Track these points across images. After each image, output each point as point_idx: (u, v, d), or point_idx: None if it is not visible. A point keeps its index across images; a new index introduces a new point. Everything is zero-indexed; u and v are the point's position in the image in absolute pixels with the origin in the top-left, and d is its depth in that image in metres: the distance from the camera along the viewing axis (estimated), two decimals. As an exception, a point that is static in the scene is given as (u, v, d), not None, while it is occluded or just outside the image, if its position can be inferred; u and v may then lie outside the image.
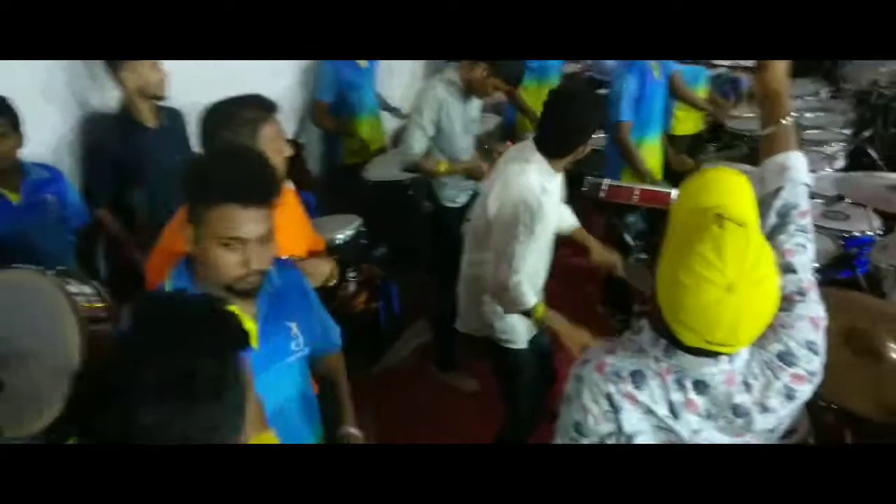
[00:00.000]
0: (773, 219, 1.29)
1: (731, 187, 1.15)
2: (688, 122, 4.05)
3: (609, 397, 1.18)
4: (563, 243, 2.59)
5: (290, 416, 1.54)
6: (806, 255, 1.26)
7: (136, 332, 0.88)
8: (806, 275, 1.24)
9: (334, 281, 2.13)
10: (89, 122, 2.75)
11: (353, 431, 1.65)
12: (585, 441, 1.24)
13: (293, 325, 1.53)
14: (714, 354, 1.13)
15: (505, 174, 2.25)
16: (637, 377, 1.17)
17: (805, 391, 1.18)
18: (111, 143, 2.65)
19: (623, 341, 1.24)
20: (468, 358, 3.22)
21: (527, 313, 2.21)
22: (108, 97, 2.74)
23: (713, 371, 1.15)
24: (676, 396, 1.16)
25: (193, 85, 2.45)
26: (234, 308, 0.94)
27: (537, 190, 2.18)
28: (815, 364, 1.19)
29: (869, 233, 2.85)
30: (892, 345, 1.90)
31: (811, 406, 2.02)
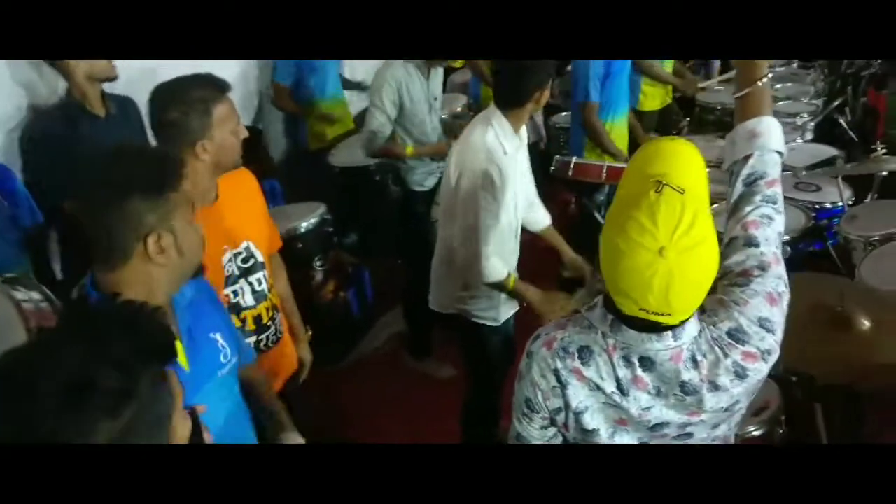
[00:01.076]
0: (739, 187, 1.25)
1: (677, 155, 1.11)
2: (655, 98, 3.99)
3: (556, 373, 1.18)
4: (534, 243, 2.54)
5: (234, 430, 1.45)
6: (772, 227, 1.21)
7: (50, 334, 0.84)
8: (770, 248, 1.20)
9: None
10: (34, 114, 2.64)
11: (296, 437, 1.57)
12: (537, 417, 1.24)
13: (218, 336, 1.43)
14: (655, 328, 1.11)
15: (465, 141, 2.20)
16: (584, 353, 1.17)
17: (758, 369, 1.15)
18: (58, 134, 2.54)
19: (577, 318, 1.23)
20: (442, 342, 3.18)
21: (499, 285, 2.18)
22: (55, 87, 2.63)
23: (658, 347, 1.13)
24: (623, 373, 1.15)
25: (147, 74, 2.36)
26: None
27: (498, 152, 2.12)
28: (768, 342, 1.15)
29: (840, 204, 2.83)
30: (861, 315, 1.89)
31: (780, 381, 2.01)
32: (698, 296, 1.07)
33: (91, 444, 0.74)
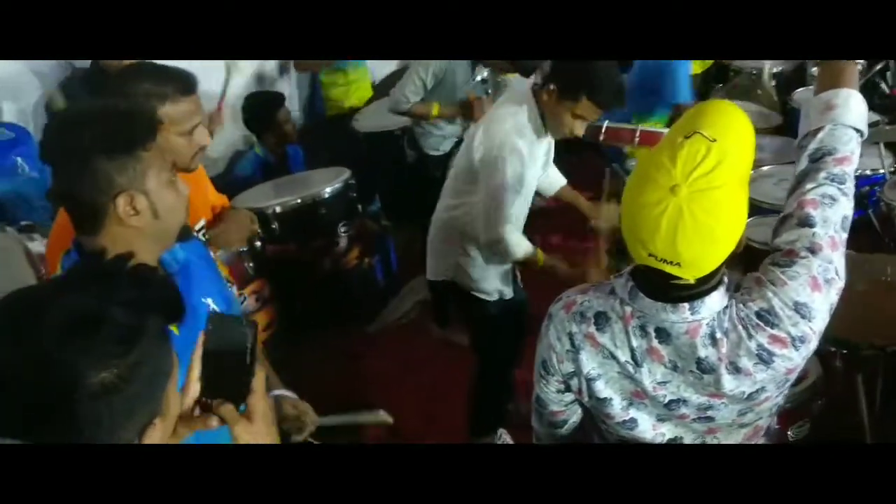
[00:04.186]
0: (804, 163, 1.16)
1: (719, 113, 1.05)
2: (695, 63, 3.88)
3: (571, 336, 1.17)
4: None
5: None
6: (833, 209, 1.11)
7: (61, 277, 0.84)
8: (826, 230, 1.09)
9: (257, 234, 1.99)
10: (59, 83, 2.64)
11: (285, 393, 1.56)
12: (553, 380, 1.22)
13: (209, 301, 1.36)
14: (669, 292, 1.06)
15: (493, 118, 2.15)
16: (600, 319, 1.13)
17: (787, 356, 1.07)
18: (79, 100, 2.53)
19: (602, 283, 1.19)
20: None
21: (528, 261, 2.16)
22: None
23: (672, 318, 1.07)
24: (638, 343, 1.10)
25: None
26: None
27: (526, 135, 2.07)
28: (801, 328, 1.06)
29: (881, 171, 2.74)
30: None
31: (820, 352, 1.96)
32: (711, 248, 1.00)
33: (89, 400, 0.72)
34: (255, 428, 0.96)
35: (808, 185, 1.13)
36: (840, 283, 1.10)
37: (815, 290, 1.07)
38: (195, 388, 0.94)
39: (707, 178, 0.97)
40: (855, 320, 1.77)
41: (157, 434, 0.80)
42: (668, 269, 1.01)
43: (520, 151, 2.05)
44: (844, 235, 1.12)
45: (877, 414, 1.93)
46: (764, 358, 1.06)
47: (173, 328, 1.23)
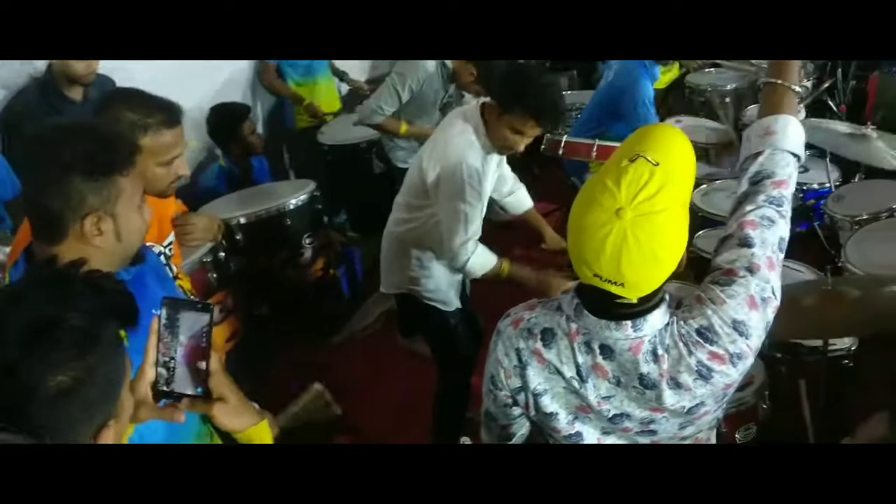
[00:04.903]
0: (744, 185, 1.21)
1: (661, 137, 1.09)
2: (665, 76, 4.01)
3: (518, 352, 1.18)
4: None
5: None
6: (772, 230, 1.15)
7: (18, 283, 0.86)
8: (764, 251, 1.13)
9: (220, 236, 2.03)
10: (14, 93, 2.62)
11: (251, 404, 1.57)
12: (501, 395, 1.24)
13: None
14: (613, 310, 1.09)
15: (443, 135, 2.18)
16: (547, 336, 1.16)
17: (725, 372, 1.10)
18: (33, 116, 2.52)
19: (548, 300, 1.22)
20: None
21: (493, 275, 2.19)
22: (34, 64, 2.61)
23: (616, 335, 1.10)
24: (584, 359, 1.13)
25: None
26: None
27: (479, 151, 2.11)
28: (739, 346, 1.10)
29: (827, 185, 2.84)
30: (849, 288, 1.89)
31: (765, 357, 2.04)
32: (653, 270, 1.03)
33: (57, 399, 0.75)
34: (230, 406, 0.98)
35: (749, 207, 1.17)
36: (776, 303, 1.14)
37: (753, 308, 1.10)
38: (151, 374, 0.95)
39: (650, 202, 1.00)
40: (801, 324, 1.83)
41: (111, 434, 0.82)
42: (613, 288, 1.04)
43: (475, 167, 2.09)
44: (781, 256, 1.16)
45: (820, 417, 2.01)
46: (703, 374, 1.09)
47: (123, 336, 1.25)
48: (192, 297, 1.85)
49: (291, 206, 2.98)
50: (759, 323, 1.11)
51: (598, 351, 1.12)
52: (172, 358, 0.95)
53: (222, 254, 2.66)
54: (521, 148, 2.12)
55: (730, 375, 1.11)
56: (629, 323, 1.09)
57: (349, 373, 3.15)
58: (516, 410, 1.26)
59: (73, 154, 1.14)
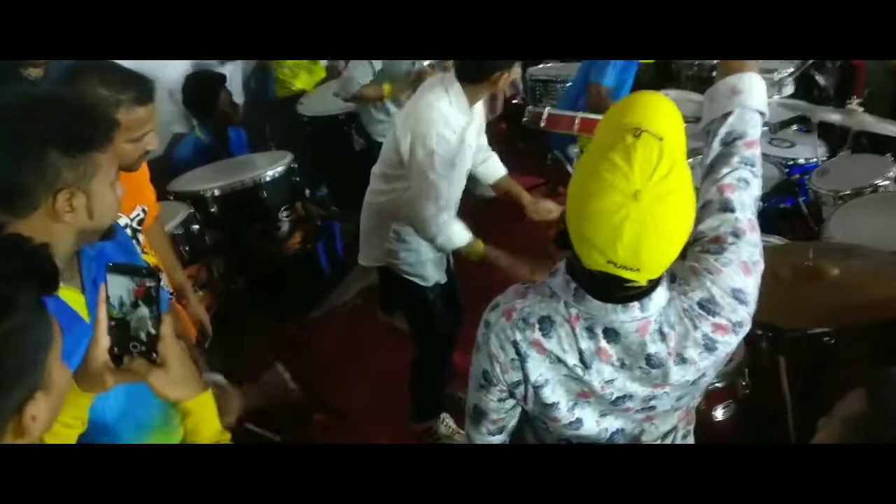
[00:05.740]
0: (716, 147, 1.18)
1: (654, 106, 1.05)
2: None
3: (515, 345, 1.12)
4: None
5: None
6: (748, 191, 1.14)
7: None
8: (745, 214, 1.13)
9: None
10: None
11: (211, 376, 1.55)
12: (495, 389, 1.18)
13: None
14: (619, 293, 1.04)
15: (418, 104, 2.13)
16: (545, 324, 1.10)
17: (728, 342, 1.09)
18: None
19: (538, 285, 1.15)
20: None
21: (467, 252, 2.16)
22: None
23: (623, 318, 1.06)
24: (587, 345, 1.09)
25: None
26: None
27: (452, 121, 2.07)
28: (740, 314, 1.09)
29: (813, 160, 2.81)
30: (829, 264, 1.92)
31: (746, 335, 2.01)
32: (670, 253, 0.99)
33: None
34: (171, 375, 0.96)
35: (724, 170, 1.15)
36: (762, 265, 1.12)
37: (747, 274, 1.10)
38: (104, 341, 0.94)
39: (666, 181, 0.95)
40: (780, 305, 1.81)
41: (40, 407, 0.77)
42: (627, 274, 0.99)
43: (445, 136, 2.04)
44: (755, 217, 1.15)
45: (799, 394, 1.99)
46: (709, 346, 1.08)
47: (83, 313, 1.20)
48: (160, 271, 1.81)
49: (267, 178, 2.92)
50: (753, 289, 1.11)
51: (601, 335, 1.08)
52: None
53: (196, 226, 2.59)
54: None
55: (731, 344, 1.10)
56: (637, 304, 1.05)
57: (328, 349, 3.12)
58: (510, 402, 1.20)
59: (52, 128, 1.10)
